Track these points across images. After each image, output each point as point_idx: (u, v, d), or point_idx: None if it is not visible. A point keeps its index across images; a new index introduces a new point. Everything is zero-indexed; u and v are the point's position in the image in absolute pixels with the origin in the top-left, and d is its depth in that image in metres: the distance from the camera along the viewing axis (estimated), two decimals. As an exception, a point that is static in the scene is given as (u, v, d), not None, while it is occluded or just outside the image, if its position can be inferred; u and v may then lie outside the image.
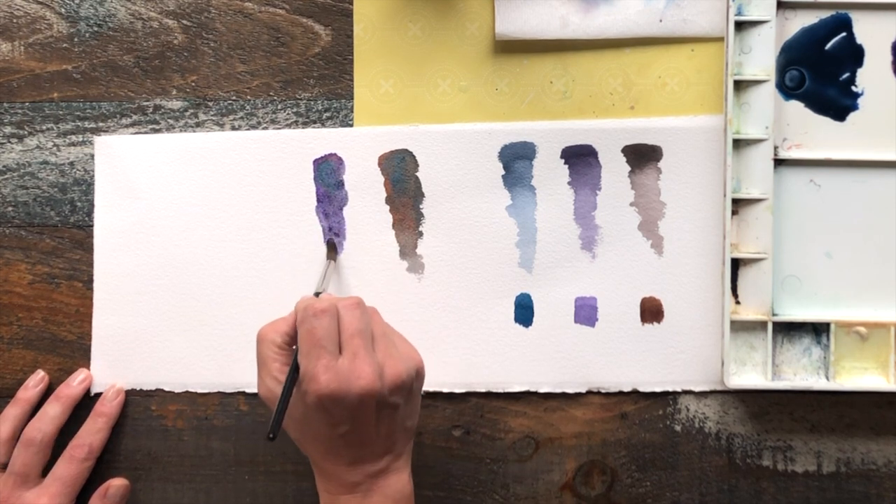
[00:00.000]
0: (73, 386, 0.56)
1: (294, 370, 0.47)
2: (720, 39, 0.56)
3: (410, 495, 0.49)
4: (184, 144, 0.57)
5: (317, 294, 0.52)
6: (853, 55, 0.56)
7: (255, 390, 0.57)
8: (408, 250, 0.57)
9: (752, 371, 0.56)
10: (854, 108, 0.56)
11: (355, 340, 0.47)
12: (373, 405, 0.46)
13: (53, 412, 0.55)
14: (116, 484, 0.56)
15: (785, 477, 0.57)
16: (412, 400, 0.49)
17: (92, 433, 0.56)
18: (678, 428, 0.57)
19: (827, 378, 0.55)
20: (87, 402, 0.57)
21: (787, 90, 0.56)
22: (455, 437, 0.57)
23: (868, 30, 0.56)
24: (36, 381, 0.57)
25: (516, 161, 0.57)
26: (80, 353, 0.58)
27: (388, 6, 0.57)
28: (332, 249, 0.55)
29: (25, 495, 0.54)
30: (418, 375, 0.49)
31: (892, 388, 0.55)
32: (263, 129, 0.57)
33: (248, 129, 0.57)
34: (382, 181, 0.57)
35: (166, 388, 0.57)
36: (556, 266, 0.57)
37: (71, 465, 0.55)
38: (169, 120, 0.58)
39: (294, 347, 0.49)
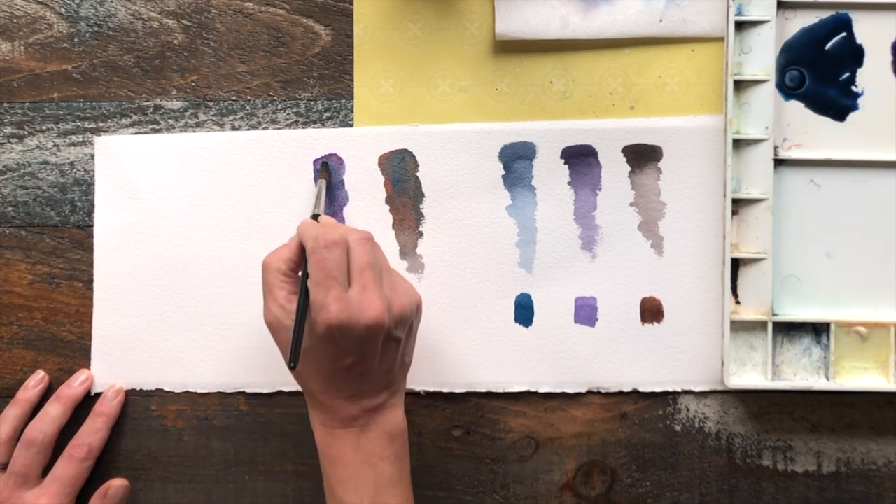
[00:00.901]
0: (75, 386, 0.56)
1: (304, 297, 0.47)
2: (720, 39, 0.56)
3: (405, 431, 0.50)
4: (184, 144, 0.57)
5: (315, 216, 0.52)
6: (853, 55, 0.56)
7: (255, 390, 0.57)
8: (408, 250, 0.57)
9: (752, 371, 0.56)
10: (854, 108, 0.56)
11: (366, 273, 0.47)
12: (380, 337, 0.47)
13: (54, 412, 0.55)
14: (116, 484, 0.56)
15: (785, 477, 0.57)
16: (411, 336, 0.50)
17: (91, 433, 0.56)
18: (678, 428, 0.57)
19: (827, 378, 0.55)
20: (87, 402, 0.57)
21: (787, 90, 0.56)
22: (455, 437, 0.57)
23: (868, 30, 0.56)
24: (36, 382, 0.57)
25: (516, 161, 0.57)
26: (80, 353, 0.58)
27: (388, 6, 0.57)
28: (325, 169, 0.55)
29: (25, 496, 0.54)
30: (418, 311, 0.50)
31: (892, 388, 0.55)
32: (263, 129, 0.57)
33: (248, 129, 0.57)
34: (382, 181, 0.57)
35: (166, 388, 0.57)
36: (556, 266, 0.57)
37: (70, 465, 0.55)
38: (169, 120, 0.58)
39: (300, 274, 0.49)
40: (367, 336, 0.47)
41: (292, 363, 0.46)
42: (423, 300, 0.57)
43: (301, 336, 0.47)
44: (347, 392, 0.48)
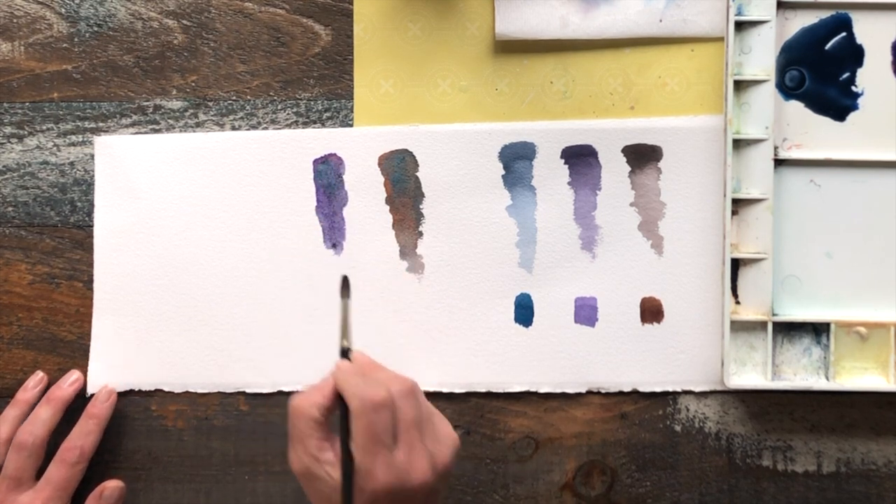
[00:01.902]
0: (64, 388, 0.56)
1: (349, 460, 0.45)
2: (720, 39, 0.56)
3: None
4: (184, 144, 0.57)
5: (346, 351, 0.49)
6: (853, 55, 0.56)
7: (255, 390, 0.57)
8: (408, 250, 0.57)
9: (752, 371, 0.56)
10: (854, 108, 0.56)
11: (411, 432, 0.45)
12: (424, 497, 0.45)
13: (45, 415, 0.55)
14: (111, 486, 0.56)
15: (785, 477, 0.57)
16: (449, 479, 0.48)
17: (83, 435, 0.55)
18: (678, 428, 0.57)
19: (827, 378, 0.55)
20: (83, 403, 0.57)
21: (787, 90, 0.56)
22: (455, 437, 0.57)
23: (868, 30, 0.56)
24: (35, 382, 0.56)
25: (516, 161, 0.57)
26: (80, 353, 0.58)
27: (388, 6, 0.57)
28: (346, 287, 0.49)
29: (19, 499, 0.53)
30: (456, 455, 0.48)
31: (892, 388, 0.55)
32: (263, 129, 0.57)
33: (248, 129, 0.58)
34: (382, 181, 0.57)
35: (166, 388, 0.57)
36: (556, 266, 0.57)
37: (62, 468, 0.54)
38: (169, 120, 0.58)
39: (333, 422, 0.47)
40: (411, 498, 0.45)
41: None
42: (423, 300, 0.57)
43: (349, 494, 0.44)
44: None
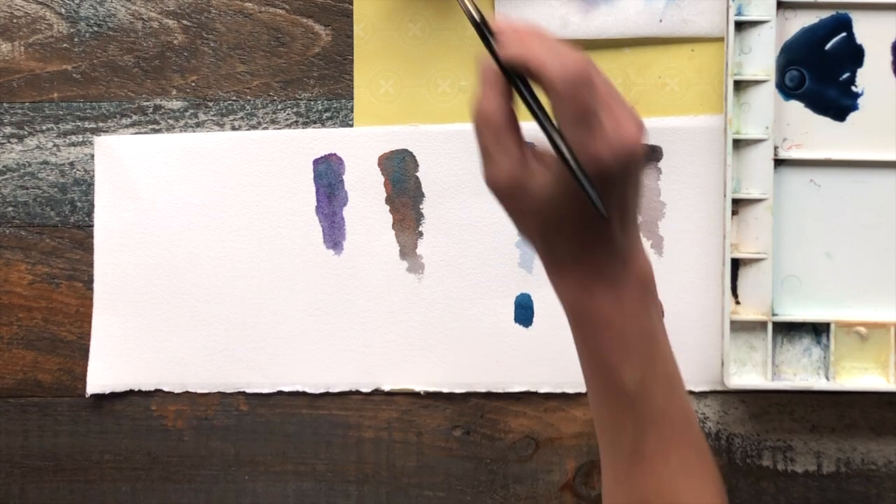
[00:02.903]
0: None
1: (564, 141, 0.37)
2: (720, 39, 0.56)
3: (653, 274, 0.42)
4: (184, 144, 0.57)
5: (482, 24, 0.40)
6: (853, 55, 0.56)
7: (255, 390, 0.57)
8: (408, 250, 0.57)
9: (752, 371, 0.56)
10: (854, 108, 0.56)
11: (613, 95, 0.37)
12: (641, 167, 0.39)
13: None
14: None
15: (785, 477, 0.57)
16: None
17: None
18: (678, 428, 0.57)
19: (827, 378, 0.55)
20: (84, 402, 0.57)
21: (787, 90, 0.56)
22: (455, 437, 0.57)
23: (868, 30, 0.56)
24: None
25: (516, 161, 0.57)
26: (80, 353, 0.58)
27: (388, 6, 0.57)
28: None
29: None
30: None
31: (892, 388, 0.55)
32: (263, 129, 0.57)
33: (248, 129, 0.57)
34: (382, 181, 0.57)
35: (166, 388, 0.57)
36: (556, 266, 0.57)
37: None
38: (169, 120, 0.58)
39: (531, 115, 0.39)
40: (637, 167, 0.38)
41: (603, 214, 0.36)
42: (423, 300, 0.57)
43: (590, 180, 0.36)
44: (614, 229, 0.39)
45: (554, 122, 0.38)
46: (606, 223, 0.38)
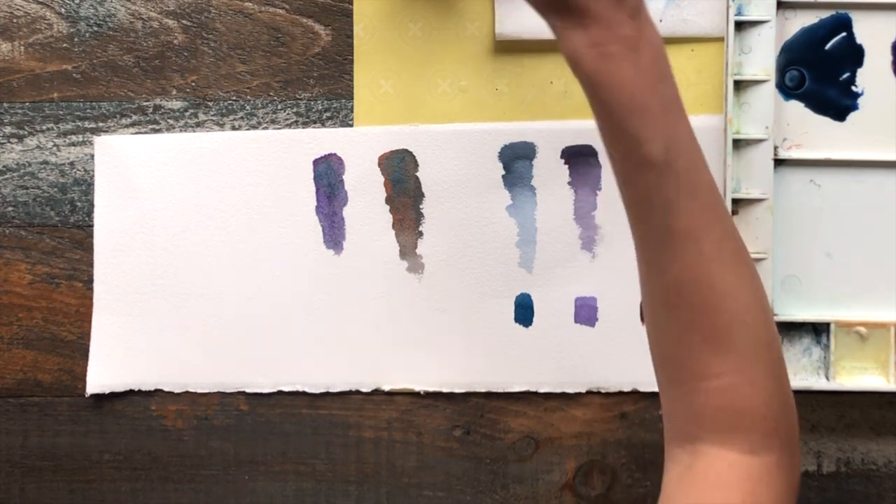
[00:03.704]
0: None
1: None
2: (720, 39, 0.56)
3: (664, 48, 0.41)
4: (184, 144, 0.57)
5: None
6: (853, 55, 0.56)
7: (255, 390, 0.57)
8: (408, 250, 0.57)
9: (752, 371, 0.56)
10: (854, 108, 0.56)
11: None
12: None
13: None
14: None
15: (785, 477, 0.57)
16: None
17: None
18: (678, 428, 0.57)
19: (827, 378, 0.55)
20: (84, 402, 0.57)
21: (787, 90, 0.56)
22: (455, 437, 0.57)
23: (868, 30, 0.56)
24: None
25: (516, 161, 0.57)
26: (80, 353, 0.58)
27: (388, 6, 0.57)
28: None
29: None
30: None
31: (892, 388, 0.55)
32: (263, 129, 0.57)
33: (248, 129, 0.57)
34: (382, 181, 0.57)
35: (166, 389, 0.57)
36: (556, 266, 0.57)
37: None
38: (169, 120, 0.58)
39: None
40: None
41: None
42: (423, 300, 0.57)
43: None
44: None
45: None
46: None
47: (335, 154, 0.57)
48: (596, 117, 0.41)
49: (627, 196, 0.41)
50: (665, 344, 0.42)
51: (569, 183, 0.57)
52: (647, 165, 0.40)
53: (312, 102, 0.57)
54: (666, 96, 0.40)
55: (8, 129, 0.58)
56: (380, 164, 0.57)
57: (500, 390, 0.57)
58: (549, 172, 0.57)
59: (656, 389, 0.57)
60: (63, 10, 0.58)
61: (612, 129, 0.40)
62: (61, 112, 0.58)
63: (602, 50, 0.39)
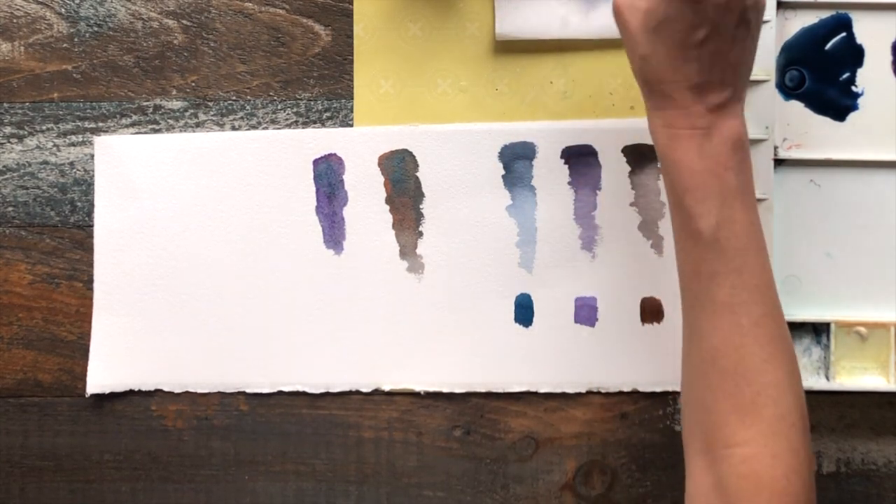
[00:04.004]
0: None
1: None
2: (720, 39, 0.56)
3: (748, 142, 0.46)
4: (184, 144, 0.57)
5: None
6: (853, 55, 0.56)
7: (255, 390, 0.57)
8: (408, 250, 0.57)
9: (752, 371, 0.56)
10: (854, 108, 0.56)
11: None
12: (737, 10, 0.43)
13: None
14: None
15: (785, 477, 0.57)
16: (757, 33, 0.46)
17: None
18: (678, 428, 0.57)
19: (827, 378, 0.55)
20: (84, 402, 0.57)
21: (787, 90, 0.56)
22: (455, 437, 0.57)
23: (868, 30, 0.56)
24: None
25: (516, 161, 0.57)
26: (80, 353, 0.58)
27: (388, 6, 0.57)
28: None
29: None
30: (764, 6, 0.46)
31: (892, 388, 0.55)
32: (263, 129, 0.57)
33: (248, 129, 0.58)
34: (382, 181, 0.57)
35: (166, 388, 0.57)
36: (556, 266, 0.57)
37: None
38: (169, 120, 0.58)
39: None
40: (727, 4, 0.43)
41: None
42: (423, 300, 0.57)
43: None
44: (695, 79, 0.44)
45: None
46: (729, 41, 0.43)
47: (335, 154, 0.57)
48: (664, 183, 0.46)
49: (680, 262, 0.46)
50: (698, 411, 0.45)
51: (569, 183, 0.57)
52: (697, 238, 0.44)
53: (312, 102, 0.57)
54: (728, 182, 0.44)
55: (8, 129, 0.58)
56: (380, 164, 0.57)
57: (500, 390, 0.57)
58: (549, 172, 0.57)
59: (656, 389, 0.57)
60: (63, 10, 0.58)
61: (673, 200, 0.46)
62: (61, 112, 0.58)
63: (673, 132, 0.45)
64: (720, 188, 0.44)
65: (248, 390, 0.57)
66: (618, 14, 0.45)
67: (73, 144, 0.58)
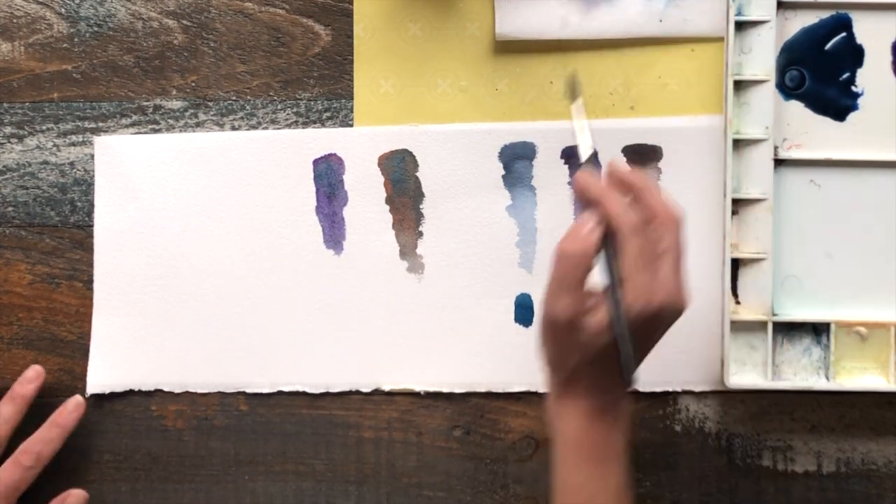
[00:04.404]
0: (27, 386, 0.55)
1: (615, 291, 0.43)
2: (720, 39, 0.56)
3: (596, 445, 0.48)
4: (184, 144, 0.57)
5: (591, 158, 0.47)
6: (853, 55, 0.56)
7: (255, 390, 0.57)
8: (408, 250, 0.57)
9: (752, 371, 0.56)
10: (854, 108, 0.56)
11: (680, 261, 0.45)
12: (672, 323, 0.45)
13: (8, 413, 0.55)
14: (76, 494, 0.55)
15: (785, 477, 0.57)
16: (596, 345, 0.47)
17: (43, 442, 0.55)
18: (678, 428, 0.57)
19: (827, 378, 0.55)
20: (86, 402, 0.57)
21: (787, 90, 0.56)
22: (455, 437, 0.57)
23: (868, 30, 0.56)
24: (31, 377, 0.56)
25: (516, 161, 0.57)
26: (80, 353, 0.58)
27: (388, 6, 0.57)
28: (575, 86, 0.48)
29: None
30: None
31: (892, 388, 0.55)
32: (263, 129, 0.57)
33: (248, 129, 0.58)
34: (382, 181, 0.57)
35: (166, 388, 0.57)
36: (556, 266, 0.57)
37: (15, 470, 0.54)
38: (169, 120, 0.58)
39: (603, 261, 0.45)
40: (672, 321, 0.45)
41: (631, 380, 0.44)
42: (423, 300, 0.57)
43: (633, 346, 0.44)
44: (621, 381, 0.45)
45: (616, 278, 0.44)
46: (628, 385, 0.44)
47: (335, 154, 0.57)
48: (555, 456, 0.48)
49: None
50: None
51: (569, 183, 0.57)
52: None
53: (312, 102, 0.57)
54: (622, 471, 0.47)
55: (8, 129, 0.58)
56: (380, 164, 0.57)
57: (500, 390, 0.57)
58: (549, 172, 0.57)
59: (656, 389, 0.57)
60: (63, 10, 0.58)
61: (562, 472, 0.48)
62: (61, 112, 0.58)
63: (590, 424, 0.47)
64: (618, 473, 0.47)
65: (248, 390, 0.57)
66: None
67: (73, 144, 0.58)
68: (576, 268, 0.44)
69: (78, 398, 0.56)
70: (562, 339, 0.46)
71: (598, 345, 0.44)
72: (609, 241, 0.45)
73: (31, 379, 0.56)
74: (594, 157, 0.47)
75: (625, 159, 0.56)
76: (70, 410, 0.56)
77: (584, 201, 0.46)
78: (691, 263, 0.56)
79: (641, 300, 0.43)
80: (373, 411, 0.57)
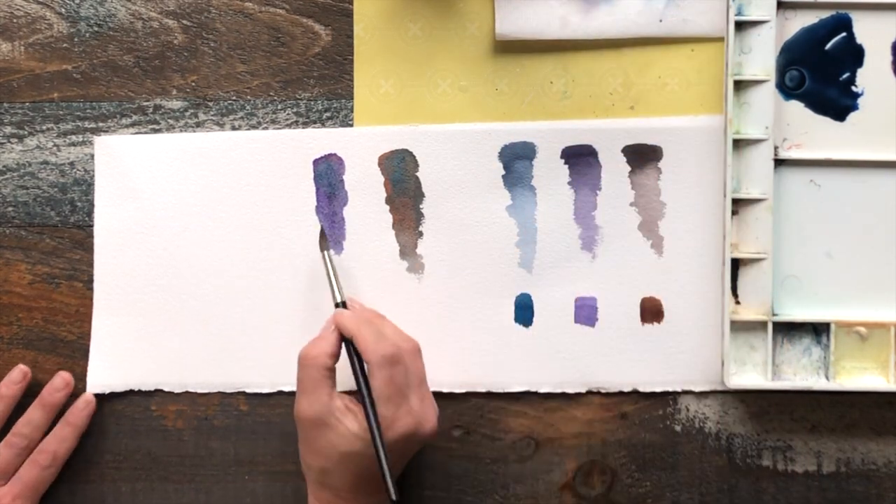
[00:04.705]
0: (57, 394, 0.56)
1: (374, 414, 0.49)
2: (720, 39, 0.56)
3: None
4: (184, 144, 0.57)
5: (342, 303, 0.53)
6: (853, 55, 0.56)
7: (255, 390, 0.57)
8: (408, 250, 0.57)
9: (752, 371, 0.56)
10: (854, 108, 0.56)
11: (423, 386, 0.51)
12: (422, 445, 0.52)
13: (40, 419, 0.55)
14: (86, 397, 0.57)
15: (785, 477, 0.57)
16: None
17: (58, 441, 0.55)
18: (678, 428, 0.57)
19: (827, 378, 0.55)
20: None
21: (787, 90, 0.56)
22: (455, 437, 0.57)
23: (868, 30, 0.56)
24: (19, 377, 0.56)
25: (516, 161, 0.57)
26: (80, 353, 0.58)
27: (388, 6, 0.57)
28: (323, 238, 0.56)
29: None
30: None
31: (892, 388, 0.55)
32: (263, 129, 0.57)
33: (248, 129, 0.58)
34: (382, 181, 0.57)
35: (166, 389, 0.57)
36: (556, 266, 0.57)
37: (34, 470, 0.55)
38: (169, 120, 0.58)
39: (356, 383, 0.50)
40: (420, 443, 0.51)
41: (396, 500, 0.47)
42: (423, 300, 0.57)
43: (389, 464, 0.48)
44: (374, 487, 0.50)
45: (371, 397, 0.49)
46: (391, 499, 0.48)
47: (335, 154, 0.57)
48: None
49: None
50: None
51: (569, 183, 0.57)
52: None
53: (312, 102, 0.57)
54: None
55: (8, 129, 0.58)
56: (380, 164, 0.57)
57: (500, 390, 0.57)
58: (549, 172, 0.57)
59: (656, 389, 0.57)
60: (63, 10, 0.58)
61: None
62: (61, 112, 0.58)
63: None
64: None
65: (248, 390, 0.57)
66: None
67: (73, 144, 0.58)
68: (315, 370, 0.50)
69: (88, 395, 0.57)
70: (311, 438, 0.50)
71: (348, 448, 0.49)
72: (361, 359, 0.50)
73: (16, 380, 0.56)
74: (343, 304, 0.53)
75: (625, 159, 0.56)
76: (81, 408, 0.56)
77: (345, 334, 0.51)
78: (691, 263, 0.56)
79: (390, 431, 0.49)
80: (373, 411, 0.57)
